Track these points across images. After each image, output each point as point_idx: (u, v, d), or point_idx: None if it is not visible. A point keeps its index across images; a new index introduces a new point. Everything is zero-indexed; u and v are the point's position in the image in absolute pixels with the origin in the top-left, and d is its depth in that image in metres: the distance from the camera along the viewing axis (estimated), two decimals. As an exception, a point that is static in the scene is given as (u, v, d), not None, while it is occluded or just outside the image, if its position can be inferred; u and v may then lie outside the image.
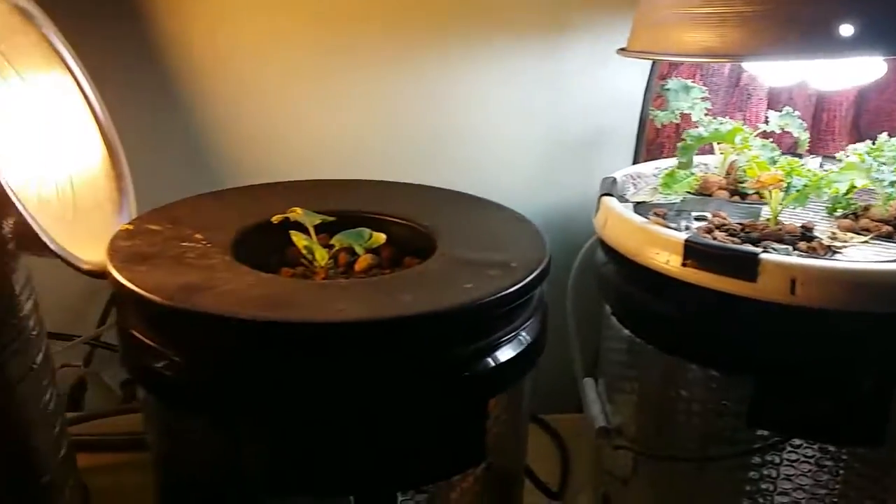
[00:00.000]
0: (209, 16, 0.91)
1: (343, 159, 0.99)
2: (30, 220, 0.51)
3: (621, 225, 0.69)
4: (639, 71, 0.96)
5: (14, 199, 0.49)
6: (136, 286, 0.54)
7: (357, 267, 0.66)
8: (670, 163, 0.83)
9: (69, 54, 0.67)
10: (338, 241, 0.66)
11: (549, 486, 0.87)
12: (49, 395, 0.67)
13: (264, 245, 0.67)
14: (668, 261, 0.63)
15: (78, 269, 0.57)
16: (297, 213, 0.66)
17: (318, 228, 0.66)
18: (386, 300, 0.54)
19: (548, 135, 1.01)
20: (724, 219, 0.69)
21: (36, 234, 0.52)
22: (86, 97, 0.69)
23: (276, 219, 0.66)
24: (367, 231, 0.67)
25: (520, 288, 0.56)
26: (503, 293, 0.55)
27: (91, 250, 0.61)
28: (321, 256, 0.64)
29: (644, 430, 0.73)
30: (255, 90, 0.95)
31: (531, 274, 0.57)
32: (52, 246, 0.53)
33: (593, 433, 0.79)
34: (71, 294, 1.00)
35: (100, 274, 0.59)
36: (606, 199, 0.73)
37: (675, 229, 0.66)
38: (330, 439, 0.54)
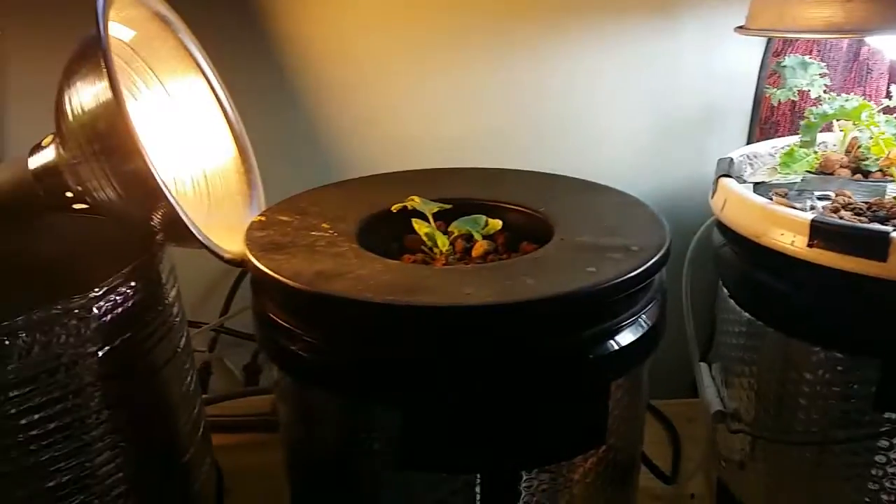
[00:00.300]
0: (326, 10, 0.94)
1: (454, 147, 1.00)
2: (180, 213, 0.54)
3: (742, 206, 0.68)
4: (751, 48, 0.94)
5: (167, 192, 0.53)
6: (277, 273, 0.57)
7: (474, 253, 0.68)
8: (787, 142, 0.82)
9: (202, 57, 0.71)
10: (456, 227, 0.68)
11: (663, 471, 0.86)
12: (189, 378, 0.71)
13: (385, 233, 0.70)
14: (794, 241, 0.61)
15: (220, 257, 0.61)
16: (416, 202, 0.68)
17: (435, 216, 0.67)
18: (511, 284, 0.55)
19: (658, 116, 1.00)
20: (849, 198, 0.67)
21: (185, 226, 0.55)
22: (217, 97, 0.73)
23: (395, 207, 0.68)
24: (483, 217, 0.69)
25: (643, 271, 0.56)
26: (627, 276, 0.55)
27: (226, 240, 0.64)
28: (442, 243, 0.66)
29: (763, 414, 0.72)
30: (368, 83, 0.97)
31: (654, 257, 0.58)
32: (199, 237, 0.56)
33: (708, 417, 0.78)
34: (194, 284, 1.05)
35: (238, 262, 0.63)
36: (725, 180, 0.72)
37: (800, 209, 0.65)
38: (459, 419, 0.55)
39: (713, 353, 0.85)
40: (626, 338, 0.57)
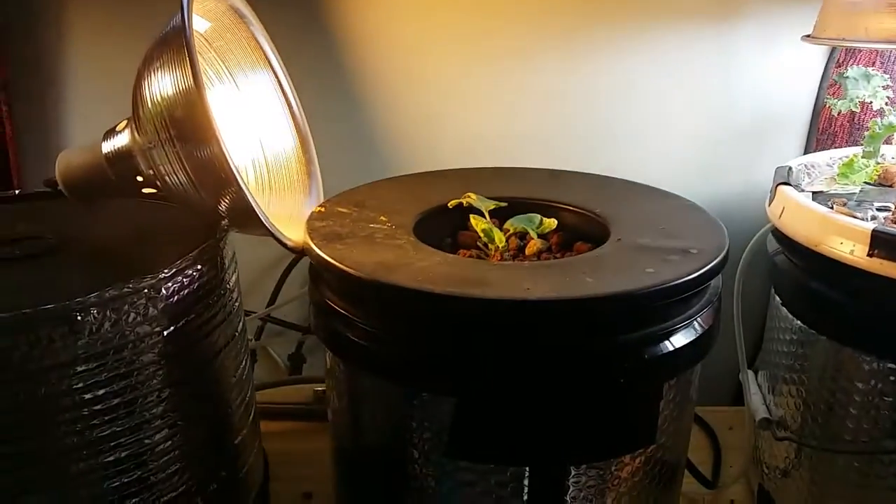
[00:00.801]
0: (391, 10, 0.95)
1: (507, 147, 1.01)
2: (250, 199, 0.55)
3: (801, 214, 0.68)
4: (812, 58, 0.94)
5: (239, 179, 0.54)
6: (338, 262, 0.58)
7: (527, 251, 0.69)
8: (845, 152, 0.81)
9: (272, 51, 0.72)
10: (511, 225, 0.69)
11: (705, 475, 0.86)
12: (244, 363, 0.73)
13: (439, 228, 0.71)
14: (853, 251, 0.61)
15: (284, 244, 0.62)
16: (473, 199, 0.68)
17: (490, 214, 0.68)
18: (569, 281, 0.56)
19: (713, 123, 1.00)
20: (910, 209, 0.67)
21: (253, 212, 0.56)
22: (283, 90, 0.74)
23: (452, 203, 0.69)
24: (538, 216, 0.69)
25: (702, 273, 0.56)
26: (687, 278, 0.55)
27: (285, 228, 0.66)
28: (500, 239, 0.66)
29: (811, 422, 0.72)
30: (426, 82, 0.99)
31: (713, 260, 0.58)
32: (266, 223, 0.57)
33: (753, 424, 0.78)
34: (242, 273, 1.06)
35: (299, 250, 0.64)
36: (784, 188, 0.72)
37: (860, 219, 0.64)
38: (511, 411, 0.56)
39: (760, 360, 0.85)
40: (680, 340, 0.57)
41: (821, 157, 0.82)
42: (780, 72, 0.96)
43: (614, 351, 0.55)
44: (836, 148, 0.89)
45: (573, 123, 1.00)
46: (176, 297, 0.58)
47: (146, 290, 0.56)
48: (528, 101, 0.99)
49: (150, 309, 0.56)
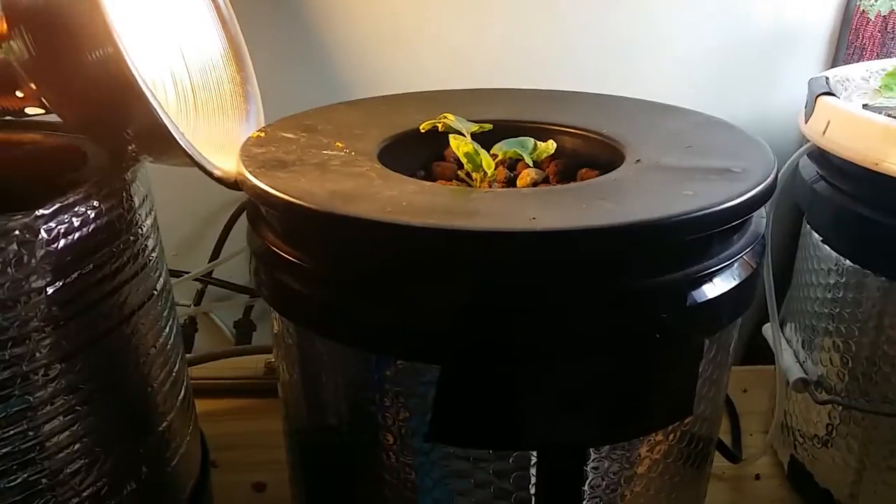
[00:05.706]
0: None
1: (491, 67, 0.92)
2: (161, 116, 0.43)
3: (855, 127, 0.57)
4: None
5: (147, 91, 0.42)
6: (282, 192, 0.46)
7: (519, 182, 0.57)
8: (882, 65, 0.72)
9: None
10: (499, 150, 0.57)
11: (731, 450, 0.77)
12: (169, 329, 0.61)
13: (409, 158, 0.60)
14: (926, 168, 0.51)
15: (209, 174, 0.50)
16: (450, 120, 0.57)
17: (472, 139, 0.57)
18: (585, 209, 0.44)
19: (727, 37, 0.91)
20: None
21: (164, 130, 0.44)
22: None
23: (424, 126, 0.58)
24: (531, 140, 0.58)
25: (758, 193, 0.45)
26: (740, 199, 0.44)
27: (216, 158, 0.54)
28: (488, 164, 0.55)
29: (862, 381, 0.63)
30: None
31: (765, 179, 0.47)
32: (181, 142, 0.45)
33: (782, 386, 0.70)
34: (177, 231, 0.97)
35: (231, 183, 0.53)
36: (826, 98, 0.62)
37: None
38: (513, 381, 0.45)
39: (786, 311, 0.75)
40: (725, 283, 0.46)
41: (854, 70, 0.72)
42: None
43: (648, 297, 0.44)
44: (866, 61, 0.80)
45: (569, 37, 0.91)
46: (62, 242, 0.45)
47: (17, 232, 0.43)
48: (517, 12, 0.89)
49: (26, 257, 0.44)
